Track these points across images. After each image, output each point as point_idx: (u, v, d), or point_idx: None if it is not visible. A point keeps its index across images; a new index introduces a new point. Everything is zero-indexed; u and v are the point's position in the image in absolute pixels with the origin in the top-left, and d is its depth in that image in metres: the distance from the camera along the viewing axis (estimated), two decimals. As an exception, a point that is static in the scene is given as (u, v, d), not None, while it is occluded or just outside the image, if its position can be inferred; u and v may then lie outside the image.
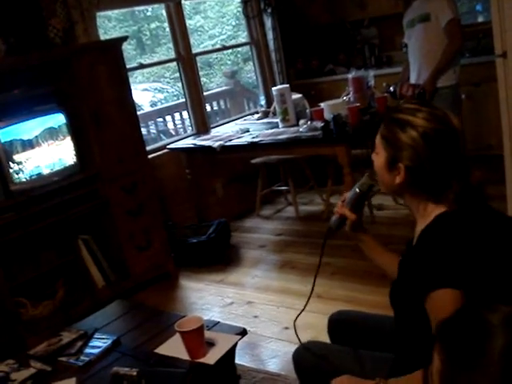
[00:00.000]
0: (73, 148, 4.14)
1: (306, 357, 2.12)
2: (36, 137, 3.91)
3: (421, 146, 1.65)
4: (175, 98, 9.64)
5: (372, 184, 1.91)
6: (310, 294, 2.16)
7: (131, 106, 4.47)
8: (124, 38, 4.46)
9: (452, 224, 1.64)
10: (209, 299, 4.27)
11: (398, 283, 1.79)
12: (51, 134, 4.00)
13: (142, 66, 5.82)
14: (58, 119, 4.06)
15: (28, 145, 3.86)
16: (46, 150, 3.98)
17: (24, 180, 3.84)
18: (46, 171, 3.96)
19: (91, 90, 4.16)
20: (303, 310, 2.15)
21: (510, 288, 1.64)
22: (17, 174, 3.80)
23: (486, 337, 1.00)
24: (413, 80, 4.77)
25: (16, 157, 3.79)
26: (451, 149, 1.67)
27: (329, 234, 2.10)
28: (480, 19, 6.26)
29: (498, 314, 1.03)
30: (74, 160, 4.15)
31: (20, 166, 3.81)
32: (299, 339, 2.12)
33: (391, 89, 4.83)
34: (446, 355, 1.03)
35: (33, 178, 3.89)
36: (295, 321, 2.12)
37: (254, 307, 4.02)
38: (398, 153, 1.70)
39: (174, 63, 6.09)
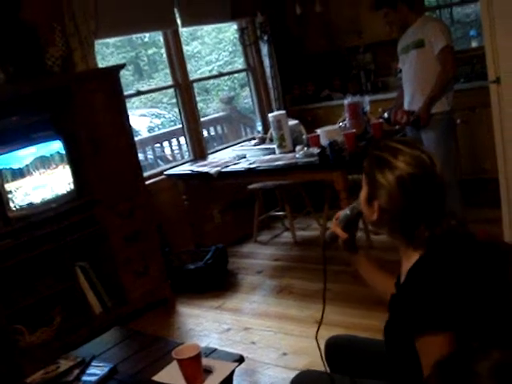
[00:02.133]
0: (70, 174, 4.15)
1: None
2: (27, 165, 3.90)
3: (394, 190, 1.66)
4: (172, 124, 9.68)
5: (360, 211, 1.93)
6: (322, 312, 2.19)
7: (128, 132, 4.50)
8: (121, 66, 4.50)
9: (429, 268, 1.64)
10: (206, 325, 4.26)
11: (389, 323, 1.80)
12: (43, 162, 4.00)
13: (139, 93, 5.85)
14: (51, 148, 4.07)
15: (19, 173, 3.86)
16: (37, 178, 3.97)
17: (20, 207, 3.85)
18: (37, 200, 3.95)
19: (89, 117, 4.19)
20: (320, 323, 2.15)
21: (500, 323, 1.66)
22: (12, 201, 3.81)
23: None
24: (406, 105, 4.80)
25: (7, 185, 3.80)
26: (425, 196, 1.67)
27: (324, 246, 2.14)
28: (474, 44, 6.31)
29: (486, 361, 1.01)
30: (71, 187, 4.16)
31: (13, 194, 3.81)
32: (321, 354, 2.11)
33: (385, 115, 4.86)
34: None
35: (28, 205, 3.90)
36: (316, 335, 2.12)
37: (252, 333, 4.01)
38: (375, 191, 1.72)
39: (171, 89, 6.14)
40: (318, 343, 2.11)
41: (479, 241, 1.78)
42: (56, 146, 4.09)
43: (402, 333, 1.68)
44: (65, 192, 4.12)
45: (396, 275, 1.90)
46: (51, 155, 4.06)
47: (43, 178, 4.00)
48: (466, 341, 1.58)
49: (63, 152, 4.11)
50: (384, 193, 1.69)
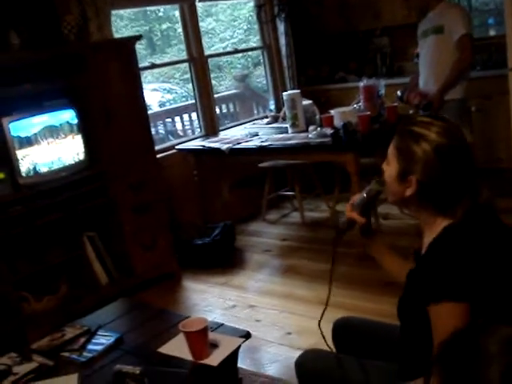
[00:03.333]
0: (81, 144, 4.14)
1: (310, 364, 2.11)
2: (35, 134, 3.89)
3: (434, 161, 1.65)
4: (184, 99, 9.65)
5: (379, 191, 1.91)
6: (328, 294, 2.14)
7: (142, 104, 4.48)
8: (138, 37, 4.47)
9: (460, 237, 1.64)
10: (211, 301, 4.26)
11: (405, 294, 1.79)
12: (52, 131, 3.98)
13: (154, 66, 5.83)
14: (61, 117, 4.05)
15: (27, 142, 3.85)
16: (46, 147, 3.96)
17: (30, 174, 3.85)
18: (46, 169, 3.95)
19: (103, 87, 4.17)
20: (325, 308, 2.11)
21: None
22: (23, 169, 3.81)
23: (483, 365, 0.97)
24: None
25: (18, 152, 3.80)
26: (463, 165, 1.67)
27: (338, 235, 2.09)
28: (492, 33, 6.25)
29: (495, 337, 0.99)
30: (82, 156, 4.15)
31: (23, 162, 3.81)
32: (325, 340, 2.09)
33: (399, 93, 4.84)
34: (443, 379, 1.01)
35: (38, 173, 3.90)
36: (320, 321, 2.09)
37: (257, 311, 4.01)
38: (411, 166, 1.70)
39: (185, 64, 6.10)
40: (320, 328, 2.09)
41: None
42: (66, 116, 4.08)
43: (417, 303, 1.66)
44: (75, 162, 4.11)
45: (410, 260, 1.89)
46: (60, 125, 4.05)
47: (52, 147, 3.99)
48: (478, 316, 1.57)
49: (73, 122, 4.11)
50: (423, 166, 1.67)
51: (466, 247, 1.61)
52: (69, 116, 4.08)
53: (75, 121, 4.10)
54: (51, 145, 3.98)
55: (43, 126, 3.93)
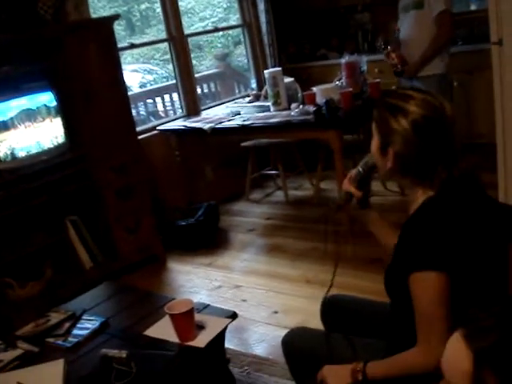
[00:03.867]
0: (61, 127, 4.08)
1: (296, 342, 2.11)
2: (11, 118, 3.81)
3: (410, 134, 1.66)
4: (164, 80, 9.57)
5: (374, 164, 1.91)
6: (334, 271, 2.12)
7: (122, 85, 4.42)
8: (115, 17, 4.40)
9: (437, 208, 1.65)
10: (197, 282, 4.26)
11: (390, 265, 1.79)
12: (29, 115, 3.91)
13: (133, 46, 5.76)
14: (38, 100, 3.98)
15: (3, 126, 3.78)
16: (23, 131, 3.88)
17: (9, 159, 3.79)
18: (25, 153, 3.89)
19: (82, 69, 4.10)
20: (331, 286, 2.11)
21: (492, 272, 1.67)
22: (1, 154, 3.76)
23: None
24: None
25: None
26: (440, 137, 1.67)
27: (337, 209, 2.17)
28: (473, 7, 6.23)
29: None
30: (62, 139, 4.09)
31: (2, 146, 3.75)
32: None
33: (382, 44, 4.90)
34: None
35: (18, 158, 3.84)
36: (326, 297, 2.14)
37: (243, 291, 4.01)
38: (389, 138, 1.71)
39: (165, 44, 6.03)
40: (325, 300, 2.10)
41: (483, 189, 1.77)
42: (43, 99, 4.00)
43: (400, 273, 1.67)
44: (54, 145, 4.05)
45: None
46: (38, 108, 3.97)
47: (29, 131, 3.92)
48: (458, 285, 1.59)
49: (51, 105, 4.03)
50: (399, 138, 1.68)
51: (443, 218, 1.62)
52: (46, 99, 4.00)
53: (53, 103, 4.03)
54: (29, 129, 3.91)
55: (20, 109, 3.85)
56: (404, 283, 1.65)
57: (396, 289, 1.74)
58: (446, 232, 1.60)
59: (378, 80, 4.84)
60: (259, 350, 3.28)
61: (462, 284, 1.60)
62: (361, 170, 2.01)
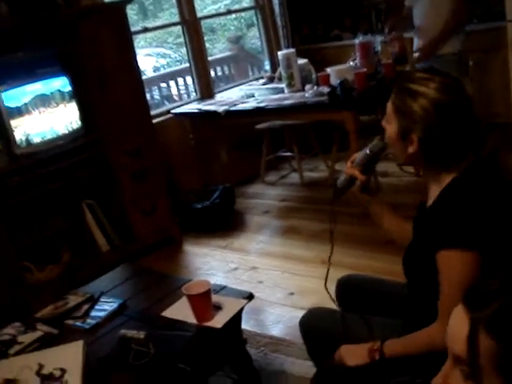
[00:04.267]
0: (77, 111, 4.10)
1: (314, 323, 2.12)
2: (25, 104, 3.81)
3: (433, 118, 1.63)
4: (178, 64, 9.56)
5: (384, 146, 1.89)
6: (331, 252, 2.15)
7: (136, 69, 4.43)
8: (128, 1, 4.39)
9: (469, 187, 1.64)
10: (213, 264, 4.28)
11: (412, 245, 1.79)
12: (43, 100, 3.91)
13: (146, 30, 5.76)
14: (51, 86, 3.98)
15: (18, 111, 3.78)
16: (38, 116, 3.90)
17: (26, 144, 3.82)
18: (41, 138, 3.91)
19: (95, 53, 4.11)
20: (328, 269, 2.14)
21: None
22: (19, 138, 3.78)
23: None
24: (414, 46, 4.79)
25: (12, 122, 3.76)
26: (464, 119, 1.65)
27: (336, 194, 2.09)
28: (489, -16, 6.16)
29: None
30: (78, 124, 4.11)
31: (17, 131, 3.77)
32: (331, 295, 2.14)
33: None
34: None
35: (35, 143, 3.87)
36: (326, 283, 2.13)
37: (259, 273, 4.02)
38: (411, 124, 1.68)
39: (178, 28, 6.02)
40: (326, 288, 2.11)
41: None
42: (57, 84, 4.02)
43: (426, 250, 1.66)
44: (69, 130, 4.07)
45: (409, 220, 1.89)
46: (52, 93, 3.98)
47: (44, 116, 3.93)
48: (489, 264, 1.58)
49: (65, 90, 4.04)
50: (422, 123, 1.65)
51: (475, 197, 1.61)
52: (60, 84, 4.02)
53: (67, 88, 4.04)
54: (43, 114, 3.93)
55: (34, 95, 3.87)
56: (426, 262, 1.65)
57: (416, 268, 1.74)
58: (477, 211, 1.59)
59: (390, 61, 4.79)
60: (276, 330, 3.30)
61: (492, 263, 1.58)
62: (369, 152, 1.96)
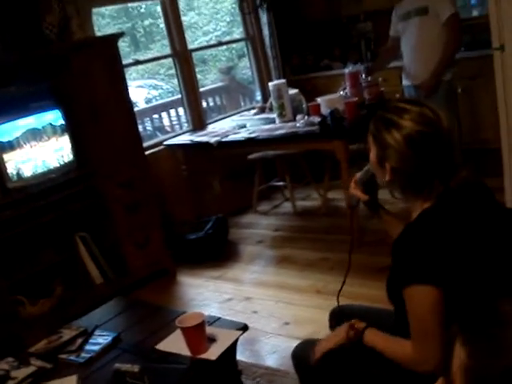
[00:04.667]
0: (69, 144, 4.11)
1: (306, 355, 2.11)
2: (17, 138, 3.82)
3: (404, 149, 1.67)
4: (170, 95, 9.61)
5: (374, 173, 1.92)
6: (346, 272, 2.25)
7: (128, 102, 4.46)
8: (120, 34, 4.44)
9: (431, 221, 1.66)
10: (207, 295, 4.26)
11: (389, 276, 1.81)
12: (34, 134, 3.92)
13: (137, 63, 5.81)
14: (43, 119, 3.99)
15: (9, 146, 3.79)
16: (29, 150, 3.90)
17: (19, 178, 3.82)
18: (33, 172, 3.91)
19: (88, 87, 4.14)
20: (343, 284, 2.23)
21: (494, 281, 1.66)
22: (11, 172, 3.78)
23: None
24: (404, 75, 4.90)
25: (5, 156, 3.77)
26: (435, 151, 1.68)
27: (352, 210, 2.23)
28: (475, 13, 6.25)
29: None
30: (70, 157, 4.12)
31: (9, 166, 3.78)
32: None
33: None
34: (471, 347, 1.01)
35: (27, 177, 3.87)
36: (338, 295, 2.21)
37: (253, 303, 4.01)
38: (384, 152, 1.73)
39: (169, 60, 6.08)
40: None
41: (491, 195, 1.78)
42: (49, 118, 4.03)
43: (397, 285, 1.70)
44: (62, 163, 4.08)
45: None
46: (43, 127, 3.99)
47: (35, 150, 3.93)
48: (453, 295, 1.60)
49: (56, 123, 4.05)
50: (394, 153, 1.70)
51: (436, 231, 1.63)
52: (51, 117, 4.04)
53: (59, 122, 4.06)
54: (34, 148, 3.94)
55: (25, 129, 3.88)
56: (397, 291, 1.69)
57: (396, 297, 1.75)
58: (439, 245, 1.61)
59: (381, 89, 4.85)
60: (271, 361, 3.28)
61: (457, 293, 1.60)
62: (363, 175, 2.03)
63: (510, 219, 1.78)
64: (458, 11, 4.45)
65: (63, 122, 4.07)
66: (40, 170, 3.96)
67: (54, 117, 4.05)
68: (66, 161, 4.11)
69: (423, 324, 1.63)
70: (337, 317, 2.26)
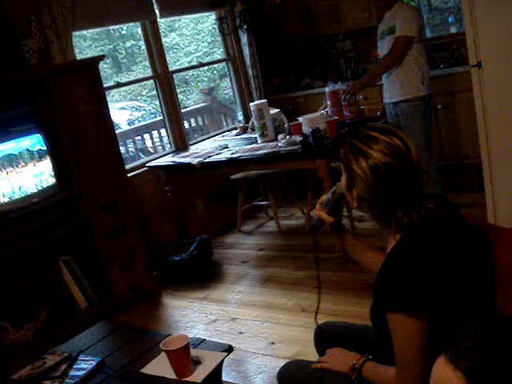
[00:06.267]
0: (50, 168, 4.10)
1: (291, 376, 2.12)
2: None
3: (370, 179, 1.68)
4: (152, 116, 9.63)
5: (342, 193, 1.92)
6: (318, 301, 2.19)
7: (109, 124, 4.46)
8: (101, 57, 4.44)
9: (407, 251, 1.66)
10: (193, 317, 4.25)
11: (372, 303, 1.82)
12: (10, 160, 3.87)
13: (119, 85, 5.81)
14: (20, 145, 3.94)
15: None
16: (5, 176, 3.84)
17: (5, 201, 3.80)
18: (4, 200, 3.83)
19: (69, 110, 4.14)
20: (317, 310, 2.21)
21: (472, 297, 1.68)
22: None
23: None
24: (384, 91, 4.96)
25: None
26: (400, 183, 1.68)
27: (313, 232, 2.17)
28: (452, 30, 6.33)
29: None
30: (53, 181, 4.11)
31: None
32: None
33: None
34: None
35: (7, 201, 3.83)
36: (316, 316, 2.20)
37: (239, 323, 4.00)
38: (352, 180, 1.74)
39: (151, 81, 6.10)
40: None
41: (465, 222, 1.78)
42: (25, 143, 3.96)
43: (380, 310, 1.71)
44: (42, 188, 4.04)
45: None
46: (20, 153, 3.93)
47: (11, 176, 3.88)
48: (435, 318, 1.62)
49: (33, 149, 3.99)
50: (360, 181, 1.71)
51: (413, 261, 1.63)
52: (28, 143, 3.98)
53: (36, 147, 4.01)
54: (10, 174, 3.88)
55: (1, 154, 3.82)
56: (381, 316, 1.70)
57: (381, 326, 1.76)
58: (420, 272, 1.61)
59: (353, 101, 4.92)
60: (258, 381, 3.27)
61: (441, 317, 1.62)
62: (330, 197, 2.03)
63: (483, 238, 1.78)
64: (412, 35, 4.53)
65: (41, 147, 4.04)
66: (17, 196, 3.90)
67: (31, 142, 3.99)
68: (46, 185, 4.07)
69: (405, 348, 1.65)
70: (321, 336, 2.26)
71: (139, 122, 9.63)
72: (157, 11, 5.60)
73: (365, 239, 2.20)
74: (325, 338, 2.23)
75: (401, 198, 1.68)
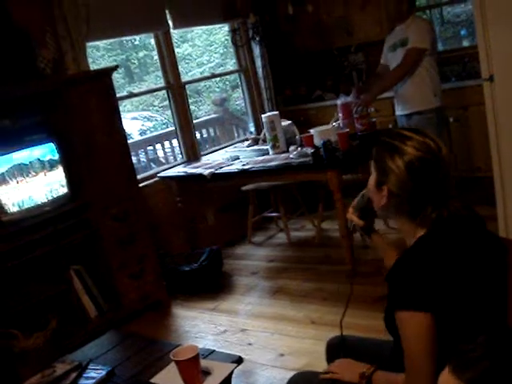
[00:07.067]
0: (63, 178, 4.12)
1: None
2: (3, 173, 3.79)
3: (404, 174, 1.72)
4: (164, 126, 9.68)
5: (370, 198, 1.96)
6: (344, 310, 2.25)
7: (122, 134, 4.48)
8: (114, 68, 4.48)
9: (425, 248, 1.70)
10: (202, 327, 4.25)
11: (387, 304, 1.82)
12: (21, 170, 3.90)
13: (131, 95, 5.86)
14: (31, 154, 3.96)
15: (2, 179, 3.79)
16: (16, 186, 3.87)
17: (13, 211, 3.82)
18: (14, 209, 3.86)
19: (82, 120, 4.17)
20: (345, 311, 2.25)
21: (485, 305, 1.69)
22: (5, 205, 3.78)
23: None
24: (396, 103, 5.00)
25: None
26: (433, 179, 1.72)
27: (350, 233, 2.25)
28: (465, 43, 6.34)
29: None
30: (65, 190, 4.13)
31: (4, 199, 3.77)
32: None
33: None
34: None
35: (21, 210, 3.86)
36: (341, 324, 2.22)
37: (248, 334, 4.00)
38: (385, 176, 1.78)
39: (163, 91, 6.13)
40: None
41: (485, 226, 1.82)
42: (36, 153, 3.99)
43: (390, 311, 1.73)
44: (52, 197, 4.06)
45: None
46: (30, 162, 3.95)
47: (22, 185, 3.91)
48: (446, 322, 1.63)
49: (44, 159, 4.03)
50: (394, 177, 1.74)
51: (430, 258, 1.66)
52: (39, 153, 4.01)
53: (47, 157, 4.04)
54: (21, 183, 3.90)
55: (11, 164, 3.84)
56: (393, 318, 1.71)
57: (394, 327, 1.76)
58: (432, 272, 1.63)
59: (365, 113, 4.92)
60: (267, 393, 3.27)
61: (451, 321, 1.63)
62: (361, 198, 2.11)
63: (502, 249, 1.81)
64: (425, 47, 4.55)
65: (52, 157, 4.07)
66: (26, 206, 3.92)
67: (42, 152, 4.02)
68: (58, 195, 4.09)
69: (414, 349, 1.65)
70: (335, 348, 2.25)
71: (151, 132, 9.67)
72: (170, 22, 5.64)
73: (375, 252, 2.21)
74: (338, 351, 2.23)
75: (431, 193, 1.72)
